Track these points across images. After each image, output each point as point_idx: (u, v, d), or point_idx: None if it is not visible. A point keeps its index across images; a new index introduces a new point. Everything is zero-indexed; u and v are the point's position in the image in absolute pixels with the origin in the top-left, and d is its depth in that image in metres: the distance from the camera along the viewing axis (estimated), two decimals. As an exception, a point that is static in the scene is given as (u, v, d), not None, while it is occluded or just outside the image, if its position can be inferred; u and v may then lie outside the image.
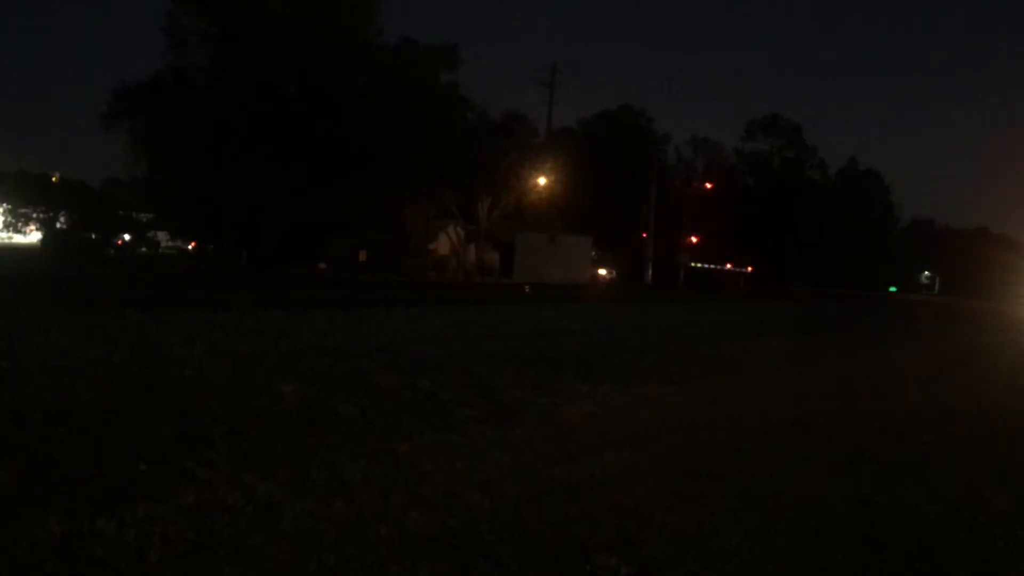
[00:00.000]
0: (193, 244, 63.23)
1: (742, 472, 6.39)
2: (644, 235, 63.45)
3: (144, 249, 66.08)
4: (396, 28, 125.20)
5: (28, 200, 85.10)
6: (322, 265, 50.32)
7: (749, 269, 73.96)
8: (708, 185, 75.51)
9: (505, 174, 49.12)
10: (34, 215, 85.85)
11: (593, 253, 61.26)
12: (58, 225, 79.39)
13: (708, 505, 5.47)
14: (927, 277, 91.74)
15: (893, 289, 79.11)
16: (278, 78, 46.48)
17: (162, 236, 74.52)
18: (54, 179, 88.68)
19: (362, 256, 51.07)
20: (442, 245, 51.95)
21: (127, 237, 62.99)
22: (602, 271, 64.09)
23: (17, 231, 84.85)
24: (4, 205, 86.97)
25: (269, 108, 44.20)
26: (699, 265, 71.58)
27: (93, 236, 52.95)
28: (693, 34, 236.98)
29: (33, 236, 76.08)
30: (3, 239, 78.36)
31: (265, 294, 20.09)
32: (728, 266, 73.73)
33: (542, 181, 50.84)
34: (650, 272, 62.10)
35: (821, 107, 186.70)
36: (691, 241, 71.04)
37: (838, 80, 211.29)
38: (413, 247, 50.45)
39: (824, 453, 7.36)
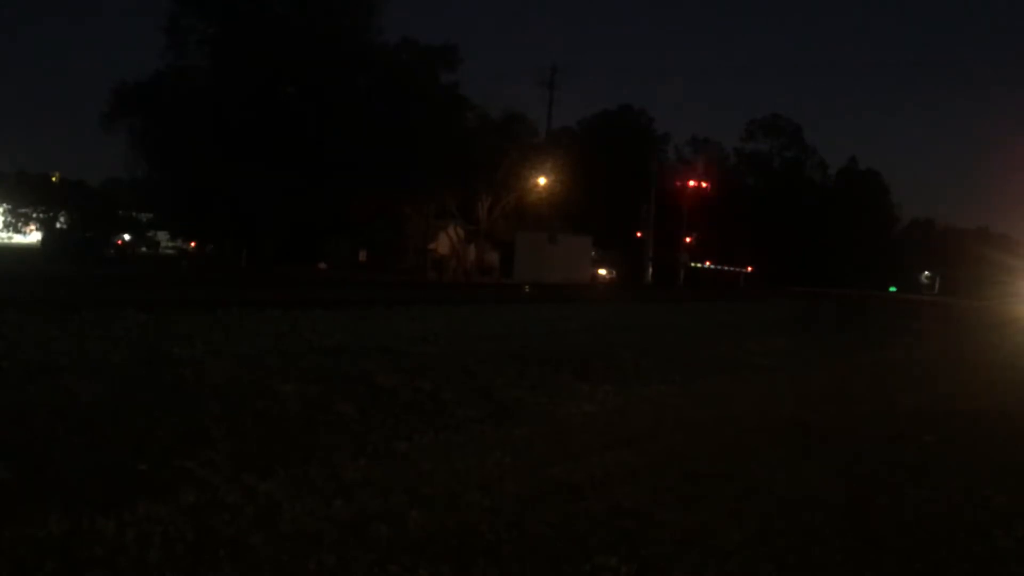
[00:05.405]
0: (193, 244, 63.17)
1: (742, 472, 6.39)
2: (644, 235, 63.44)
3: (144, 249, 66.09)
4: (396, 28, 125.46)
5: (28, 200, 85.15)
6: (322, 265, 50.33)
7: (749, 269, 73.99)
8: (708, 185, 75.51)
9: (505, 174, 49.17)
10: (34, 215, 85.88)
11: (593, 253, 61.24)
12: (58, 225, 79.35)
13: (708, 505, 5.47)
14: (927, 277, 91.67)
15: (893, 289, 78.97)
16: (278, 78, 46.48)
17: (162, 236, 74.45)
18: (54, 179, 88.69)
19: (362, 256, 51.13)
20: (442, 245, 51.97)
21: (127, 237, 63.07)
22: (602, 271, 64.03)
23: (17, 231, 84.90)
24: (4, 205, 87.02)
25: (269, 108, 44.20)
26: (699, 265, 71.61)
27: (93, 236, 52.94)
28: (693, 34, 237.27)
29: (33, 236, 76.08)
30: (3, 239, 78.36)
31: (265, 294, 20.05)
32: (728, 266, 73.75)
33: (542, 181, 50.88)
34: (650, 272, 62.09)
35: (821, 107, 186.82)
36: (691, 241, 71.03)
37: (838, 80, 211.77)
38: (413, 247, 50.52)
39: (824, 453, 7.36)
